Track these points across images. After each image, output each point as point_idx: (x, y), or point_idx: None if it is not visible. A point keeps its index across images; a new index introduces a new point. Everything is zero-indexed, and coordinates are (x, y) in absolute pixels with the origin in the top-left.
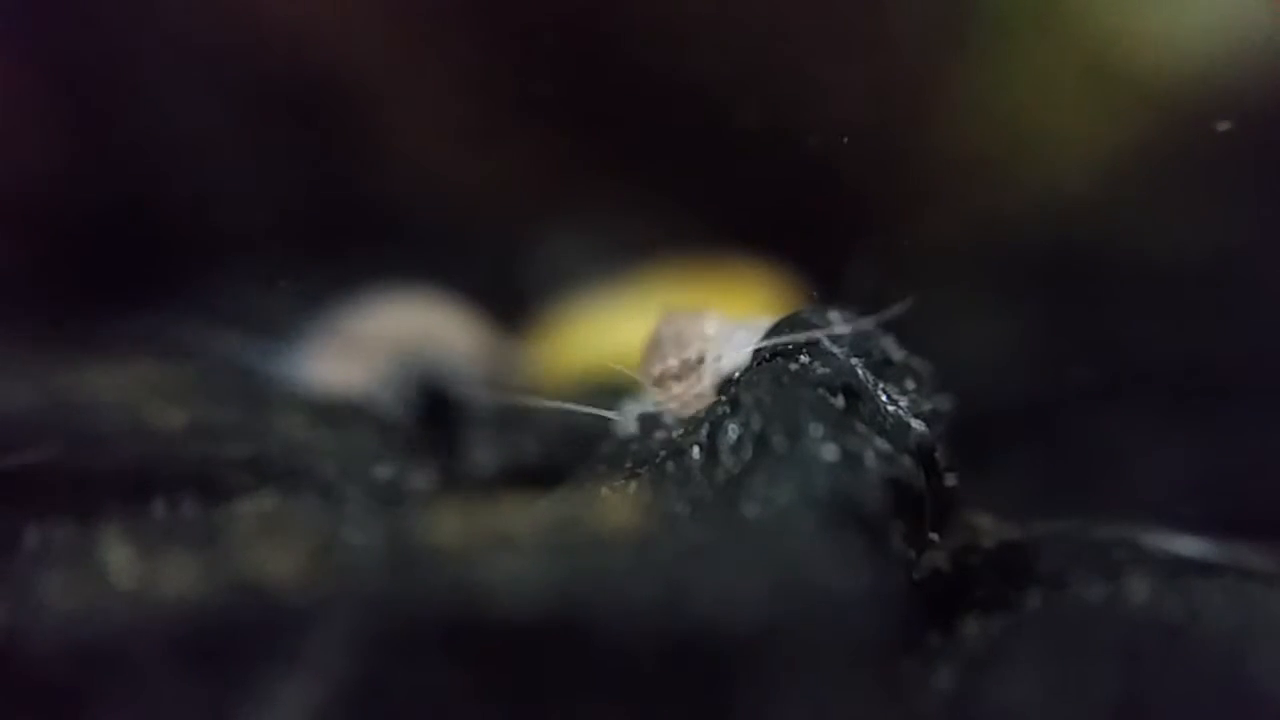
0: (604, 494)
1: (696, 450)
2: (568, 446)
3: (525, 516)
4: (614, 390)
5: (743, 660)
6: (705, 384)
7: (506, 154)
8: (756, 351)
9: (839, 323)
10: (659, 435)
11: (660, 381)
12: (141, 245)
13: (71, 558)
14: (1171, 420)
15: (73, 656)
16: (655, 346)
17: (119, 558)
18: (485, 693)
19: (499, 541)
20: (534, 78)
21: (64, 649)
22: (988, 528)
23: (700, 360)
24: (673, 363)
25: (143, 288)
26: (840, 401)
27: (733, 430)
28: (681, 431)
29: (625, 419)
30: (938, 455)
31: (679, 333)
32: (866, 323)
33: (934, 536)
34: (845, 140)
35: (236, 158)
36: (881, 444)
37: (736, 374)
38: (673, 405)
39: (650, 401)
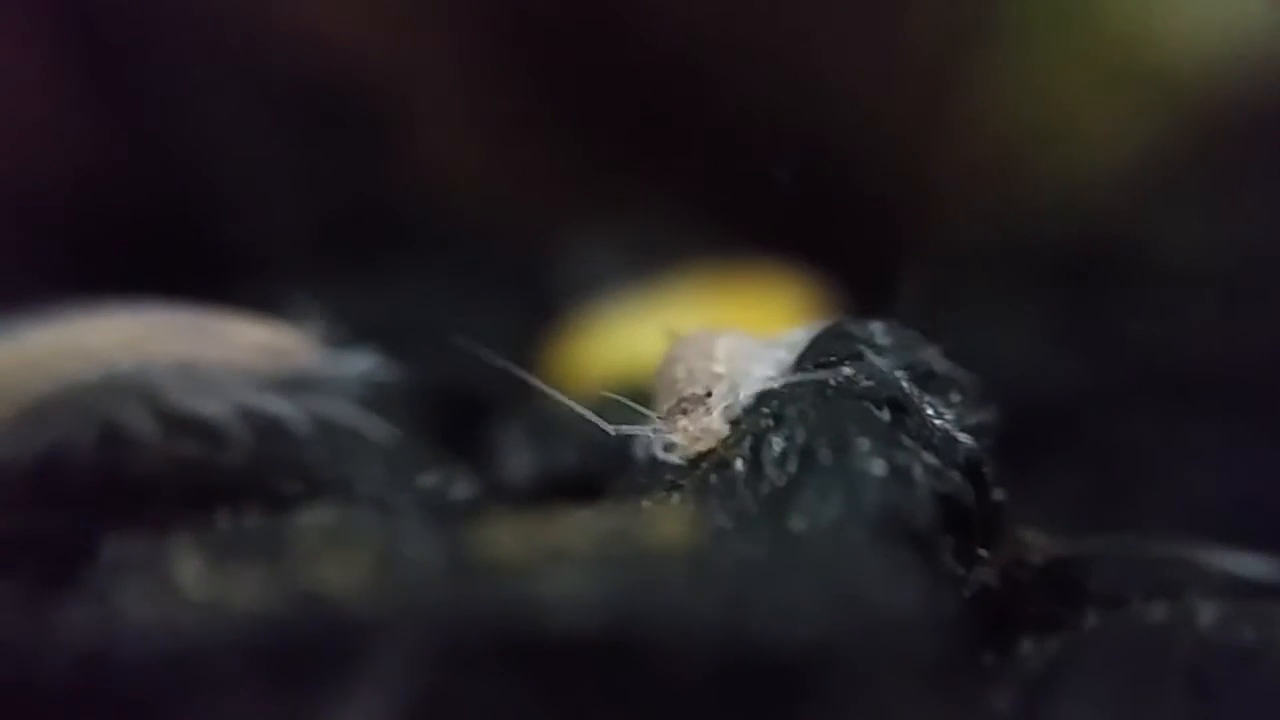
0: (653, 507)
1: (740, 463)
2: (603, 456)
3: (578, 530)
4: (641, 396)
5: (803, 678)
6: (714, 420)
7: (531, 159)
8: (798, 362)
9: (881, 334)
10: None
11: (667, 417)
12: (178, 248)
13: (146, 569)
14: (1219, 429)
15: (149, 667)
16: (663, 377)
17: (190, 569)
18: (546, 708)
19: (554, 556)
20: (559, 82)
21: (140, 660)
22: (1036, 543)
23: (708, 394)
24: (680, 397)
25: (180, 291)
26: (886, 415)
27: (777, 443)
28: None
29: (651, 441)
30: (986, 470)
31: (688, 365)
32: (909, 334)
33: (983, 553)
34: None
35: (267, 162)
36: (930, 458)
37: (777, 386)
38: (680, 440)
39: (661, 437)
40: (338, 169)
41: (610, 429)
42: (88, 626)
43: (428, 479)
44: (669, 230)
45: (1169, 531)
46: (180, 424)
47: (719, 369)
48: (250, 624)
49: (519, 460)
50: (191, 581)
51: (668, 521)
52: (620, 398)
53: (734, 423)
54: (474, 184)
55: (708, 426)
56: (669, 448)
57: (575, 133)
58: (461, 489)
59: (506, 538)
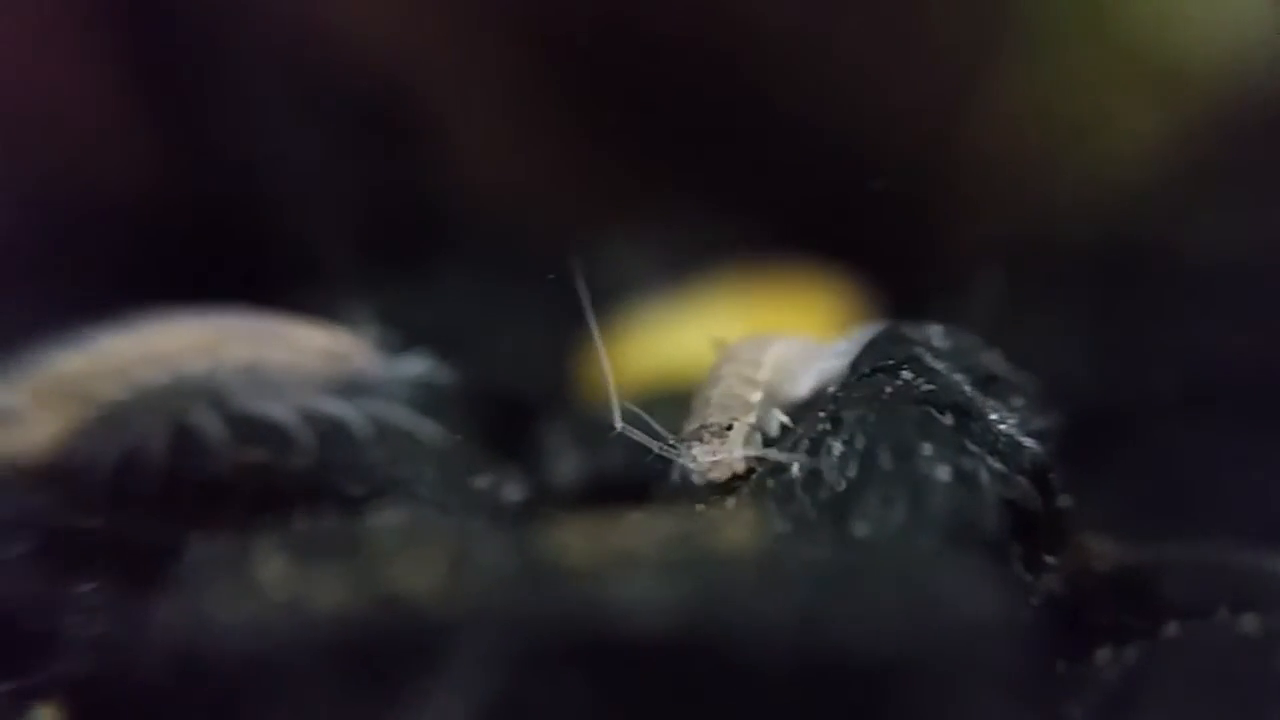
0: (715, 512)
1: (797, 467)
2: (649, 459)
3: (643, 533)
4: (678, 401)
5: (879, 685)
6: (732, 452)
7: (566, 163)
8: (853, 367)
9: (938, 338)
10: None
11: (687, 439)
12: (228, 256)
13: (228, 569)
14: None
15: (236, 665)
16: (701, 393)
17: (272, 570)
18: (621, 710)
19: (623, 559)
20: (596, 86)
21: (228, 658)
22: (1101, 550)
23: (728, 428)
24: (702, 424)
25: (227, 292)
26: (949, 419)
27: (835, 447)
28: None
29: (689, 459)
30: (1052, 476)
31: (727, 385)
32: (968, 337)
33: (1050, 560)
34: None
35: (314, 169)
36: (995, 464)
37: (832, 389)
38: (694, 467)
39: (683, 459)
40: (380, 176)
41: (653, 444)
42: (178, 625)
43: (481, 481)
44: (704, 233)
45: (1230, 539)
46: (248, 427)
47: (763, 377)
48: (331, 624)
49: (565, 463)
50: (273, 582)
51: (731, 526)
52: (640, 412)
53: (786, 430)
54: (511, 188)
55: (724, 460)
56: (687, 469)
57: (611, 137)
58: (513, 491)
59: (574, 540)
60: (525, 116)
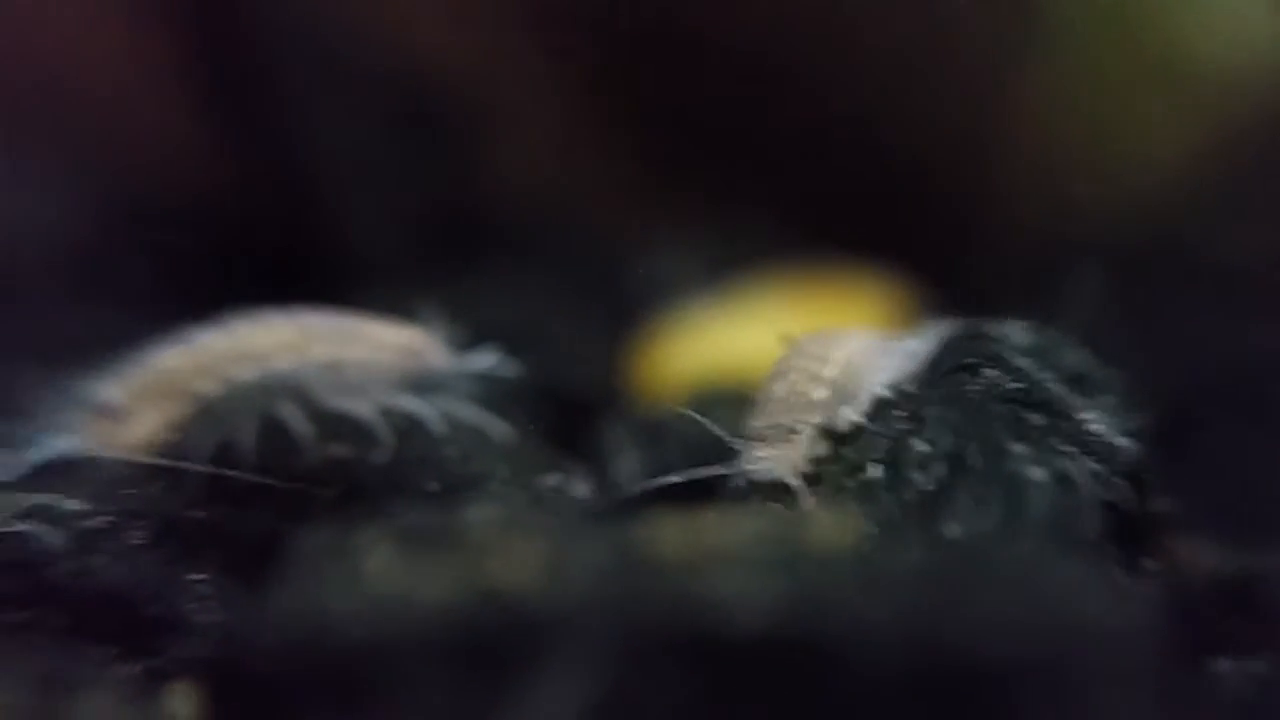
0: (803, 510)
1: (876, 467)
2: (709, 458)
3: (736, 530)
4: (729, 401)
5: (986, 689)
6: (797, 453)
7: (612, 164)
8: (932, 365)
9: (1019, 335)
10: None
11: (754, 438)
12: (283, 256)
13: (336, 561)
14: None
15: (350, 655)
16: (766, 390)
17: (378, 561)
18: (724, 709)
19: (718, 555)
20: (642, 87)
21: (343, 648)
22: (1197, 555)
23: (794, 431)
24: (768, 423)
25: (295, 291)
26: (1039, 418)
27: (919, 447)
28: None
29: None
30: (1147, 477)
31: (791, 382)
32: (1052, 335)
33: (1150, 564)
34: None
35: (369, 171)
36: (1091, 464)
37: (910, 388)
38: (757, 467)
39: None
40: (430, 177)
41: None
42: (295, 614)
43: (550, 478)
44: (750, 233)
45: None
46: (331, 423)
47: (831, 374)
48: (437, 616)
49: (628, 461)
50: (380, 574)
51: (819, 524)
52: (696, 415)
53: (859, 429)
54: (558, 189)
55: (788, 458)
56: (752, 469)
57: (661, 138)
58: (580, 488)
59: (667, 536)
60: (579, 118)
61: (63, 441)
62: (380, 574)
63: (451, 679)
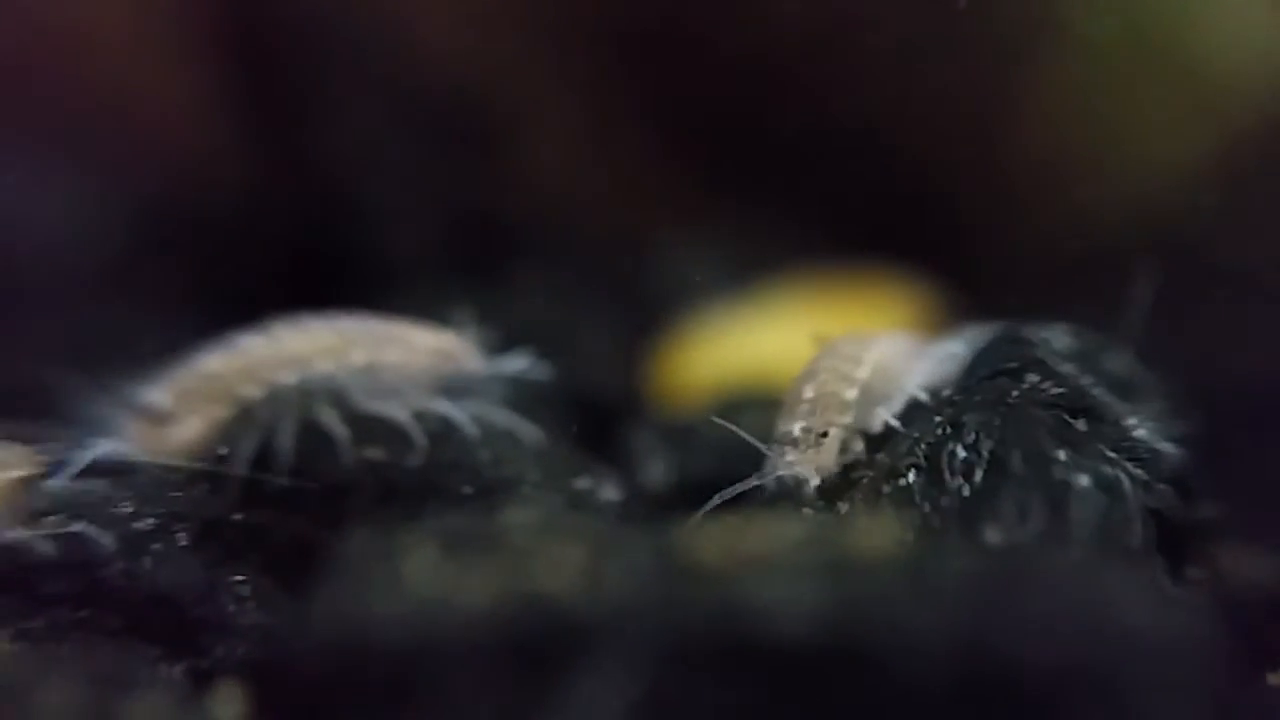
0: (842, 515)
1: (913, 472)
2: (736, 462)
3: (776, 536)
4: (753, 404)
5: (1034, 698)
6: (824, 457)
7: (634, 168)
8: (970, 369)
9: (1060, 340)
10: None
11: (780, 440)
12: (321, 261)
13: (379, 564)
14: None
15: (394, 657)
16: (793, 391)
17: (419, 564)
18: (765, 715)
19: (758, 560)
20: (663, 92)
21: (387, 650)
22: (1241, 562)
23: (824, 435)
24: (796, 426)
25: (323, 301)
26: (1082, 424)
27: (958, 452)
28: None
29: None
30: (1193, 484)
31: (821, 384)
32: (1093, 339)
33: (1194, 573)
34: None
35: (399, 176)
36: (1136, 471)
37: (948, 392)
38: (788, 470)
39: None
40: (463, 183)
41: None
42: (339, 616)
43: (580, 481)
44: (773, 238)
45: None
46: (367, 426)
47: (862, 375)
48: (479, 619)
49: (655, 466)
50: (422, 577)
51: (859, 530)
52: (724, 422)
53: (893, 431)
54: (580, 194)
55: (816, 462)
56: (781, 473)
57: (684, 142)
58: (611, 492)
59: (707, 541)
60: (608, 124)
61: (107, 444)
62: (422, 577)
63: (493, 682)
